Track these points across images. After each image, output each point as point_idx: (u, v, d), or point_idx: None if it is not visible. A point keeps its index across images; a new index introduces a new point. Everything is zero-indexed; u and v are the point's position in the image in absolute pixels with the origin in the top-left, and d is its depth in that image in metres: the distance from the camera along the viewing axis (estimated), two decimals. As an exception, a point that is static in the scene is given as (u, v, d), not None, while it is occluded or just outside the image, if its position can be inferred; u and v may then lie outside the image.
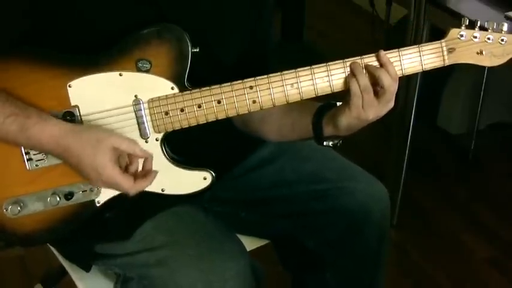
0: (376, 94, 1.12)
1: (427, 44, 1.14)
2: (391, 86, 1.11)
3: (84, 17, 1.12)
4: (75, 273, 1.37)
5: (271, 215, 1.40)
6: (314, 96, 1.15)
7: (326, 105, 1.21)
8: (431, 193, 2.51)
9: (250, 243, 1.45)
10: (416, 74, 2.04)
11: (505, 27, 1.13)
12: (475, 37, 1.13)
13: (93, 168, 1.10)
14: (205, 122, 1.16)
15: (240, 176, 1.40)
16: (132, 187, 1.13)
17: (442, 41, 1.14)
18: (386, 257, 1.45)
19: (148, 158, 1.15)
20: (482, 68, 2.50)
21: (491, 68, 2.48)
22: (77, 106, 1.14)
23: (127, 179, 1.12)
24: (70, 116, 1.13)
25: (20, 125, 1.08)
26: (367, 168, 1.42)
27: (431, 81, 2.51)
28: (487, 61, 1.15)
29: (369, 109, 1.12)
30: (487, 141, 2.70)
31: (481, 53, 1.14)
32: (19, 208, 1.16)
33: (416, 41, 1.98)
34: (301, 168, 1.38)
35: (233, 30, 1.25)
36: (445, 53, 1.14)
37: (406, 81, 2.10)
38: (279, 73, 1.14)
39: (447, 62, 1.15)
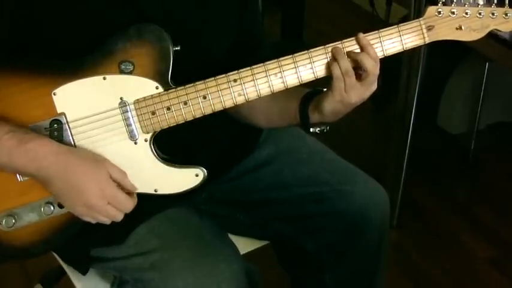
0: (359, 77, 1.13)
1: (406, 23, 1.15)
2: (373, 68, 1.12)
3: (64, 20, 1.11)
4: (73, 274, 1.37)
5: (269, 217, 1.40)
6: (298, 84, 1.16)
7: (311, 92, 1.22)
8: (431, 193, 2.50)
9: (250, 245, 1.45)
10: (417, 73, 2.06)
11: (481, 0, 1.14)
12: (453, 13, 1.14)
13: (96, 183, 1.09)
14: (192, 118, 1.15)
15: (238, 177, 1.39)
16: (130, 201, 1.13)
17: (421, 19, 1.15)
18: (386, 260, 1.44)
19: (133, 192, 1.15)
20: (482, 68, 2.51)
21: (490, 67, 2.48)
22: (63, 113, 1.13)
23: (125, 195, 1.12)
24: (57, 124, 1.13)
25: (19, 140, 1.07)
26: (367, 169, 1.41)
27: (431, 81, 2.50)
28: (466, 36, 1.15)
29: (351, 92, 1.13)
30: (487, 141, 2.70)
31: (460, 28, 1.15)
32: (13, 220, 1.15)
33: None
34: (299, 171, 1.38)
35: (220, 22, 1.25)
36: (425, 31, 1.15)
37: (406, 81, 2.10)
38: (261, 64, 1.15)
39: (427, 40, 1.15)
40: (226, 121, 1.32)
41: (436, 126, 2.76)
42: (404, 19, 2.32)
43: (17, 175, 1.14)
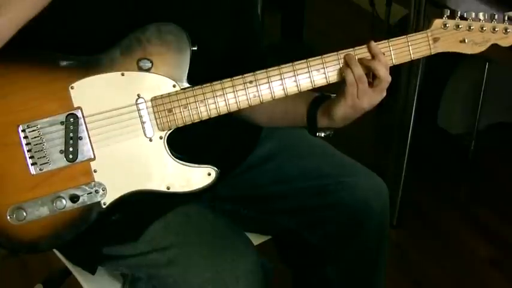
0: (370, 84, 1.17)
1: (414, 34, 1.20)
2: (386, 75, 1.16)
3: (80, 18, 1.13)
4: (80, 274, 1.36)
5: (272, 211, 1.41)
6: (311, 88, 1.19)
7: (320, 97, 1.25)
8: (431, 193, 2.51)
9: (253, 240, 1.45)
10: (417, 73, 2.06)
11: (481, 15, 1.19)
12: (458, 26, 1.19)
13: None
14: (207, 117, 1.18)
15: (241, 173, 1.41)
16: None
17: (428, 31, 1.20)
18: (387, 251, 1.45)
19: None
20: (482, 68, 2.51)
21: (490, 67, 2.49)
22: (79, 107, 1.14)
23: None
24: (73, 118, 1.14)
25: None
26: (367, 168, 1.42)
27: (431, 81, 2.51)
28: (468, 49, 1.21)
29: (363, 98, 1.17)
30: (487, 141, 2.70)
31: (464, 41, 1.20)
32: (25, 214, 1.14)
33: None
34: (301, 165, 1.40)
35: (220, 22, 1.27)
36: (431, 42, 1.20)
37: (406, 81, 2.11)
38: (276, 67, 1.17)
39: (433, 51, 1.21)
40: (231, 119, 1.33)
41: (436, 126, 2.76)
42: (404, 19, 2.32)
43: (30, 168, 1.14)
